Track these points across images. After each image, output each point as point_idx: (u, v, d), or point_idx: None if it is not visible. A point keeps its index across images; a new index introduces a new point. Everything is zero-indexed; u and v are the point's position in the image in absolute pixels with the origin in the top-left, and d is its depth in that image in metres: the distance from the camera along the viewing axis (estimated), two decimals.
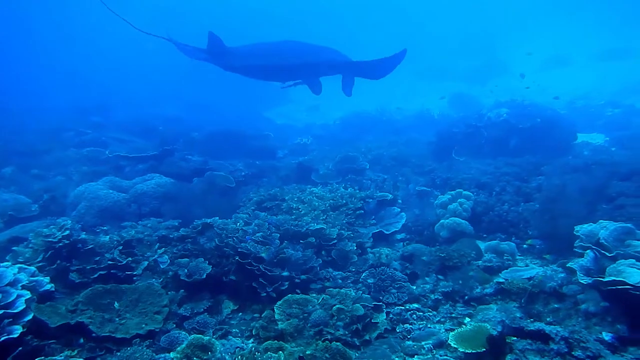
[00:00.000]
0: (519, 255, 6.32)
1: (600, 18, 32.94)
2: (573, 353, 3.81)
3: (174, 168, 8.92)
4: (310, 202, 7.15)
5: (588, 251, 4.80)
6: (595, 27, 31.91)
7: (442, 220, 6.86)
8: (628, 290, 4.11)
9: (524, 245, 6.47)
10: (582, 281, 4.45)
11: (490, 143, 10.99)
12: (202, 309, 4.86)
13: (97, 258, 5.01)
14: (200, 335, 4.07)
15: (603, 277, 4.34)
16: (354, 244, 6.17)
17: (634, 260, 4.48)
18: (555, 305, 4.61)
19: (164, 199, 7.64)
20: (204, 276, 5.03)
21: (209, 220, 5.94)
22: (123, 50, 32.69)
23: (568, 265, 4.74)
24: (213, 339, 4.09)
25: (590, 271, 4.62)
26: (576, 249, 4.98)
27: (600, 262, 4.71)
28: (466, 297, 5.14)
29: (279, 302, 4.73)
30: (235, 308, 5.11)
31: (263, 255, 5.24)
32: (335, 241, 6.08)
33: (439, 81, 27.51)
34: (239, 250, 5.18)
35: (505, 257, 5.96)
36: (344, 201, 7.17)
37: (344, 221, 6.75)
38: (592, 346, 3.81)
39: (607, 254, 4.71)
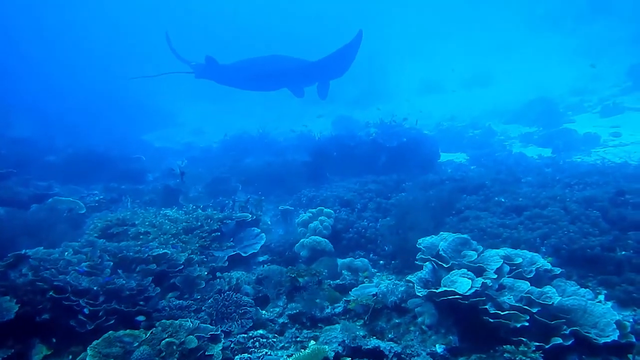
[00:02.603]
0: (376, 272, 6.31)
1: (467, 49, 36.59)
2: None
3: (8, 194, 7.76)
4: (161, 225, 6.56)
5: (427, 263, 4.86)
6: (462, 56, 35.33)
7: (302, 240, 6.66)
8: (458, 300, 4.16)
9: (381, 262, 6.50)
10: (418, 294, 4.44)
11: (361, 162, 11.24)
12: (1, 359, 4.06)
13: None
14: None
15: (437, 289, 4.37)
16: (205, 269, 5.71)
17: (465, 270, 4.59)
18: (397, 320, 4.55)
19: None
20: (6, 319, 4.22)
21: (27, 252, 5.10)
22: None
23: (407, 278, 4.73)
24: None
25: (429, 283, 4.65)
26: (417, 262, 5.01)
27: (438, 274, 4.78)
28: (314, 319, 4.92)
29: (96, 342, 4.09)
30: (49, 353, 4.36)
31: (86, 287, 4.57)
32: (182, 267, 5.57)
33: (328, 105, 28.18)
34: (55, 283, 4.46)
35: (360, 274, 5.90)
36: (199, 223, 6.69)
37: (197, 245, 6.26)
38: None
39: (444, 265, 4.78)
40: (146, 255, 5.47)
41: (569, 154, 13.08)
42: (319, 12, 46.19)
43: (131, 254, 5.44)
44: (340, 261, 6.21)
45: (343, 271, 5.96)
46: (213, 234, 6.59)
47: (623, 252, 5.22)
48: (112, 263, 5.15)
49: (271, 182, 10.87)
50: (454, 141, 16.15)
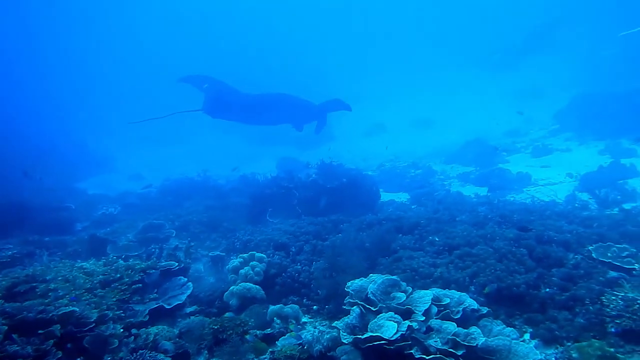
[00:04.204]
0: (309, 318, 6.03)
1: (412, 91, 38.19)
2: None
3: None
4: (75, 280, 6.02)
5: (354, 307, 4.66)
6: (407, 99, 36.81)
7: (232, 287, 6.31)
8: (384, 345, 3.96)
9: (314, 307, 6.22)
10: (344, 340, 4.22)
11: (302, 203, 11.03)
12: None
13: None
14: None
15: (363, 334, 4.16)
16: (121, 326, 5.23)
17: (393, 313, 4.42)
18: None
19: None
20: None
21: None
22: None
23: (334, 324, 4.51)
24: None
25: (355, 328, 4.44)
26: (345, 307, 4.80)
27: (366, 318, 4.57)
28: None
29: None
30: None
31: None
32: (93, 325, 5.06)
33: (275, 146, 28.23)
34: None
35: (290, 322, 5.59)
36: (119, 275, 6.20)
37: (114, 299, 5.77)
38: None
39: (372, 308, 4.60)
40: (50, 315, 4.95)
41: (503, 193, 13.43)
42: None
43: (32, 314, 4.90)
44: (271, 308, 5.90)
45: (274, 319, 5.65)
46: (134, 286, 6.11)
47: (547, 290, 5.24)
48: (6, 327, 4.60)
49: (209, 227, 10.46)
50: (396, 181, 16.32)
